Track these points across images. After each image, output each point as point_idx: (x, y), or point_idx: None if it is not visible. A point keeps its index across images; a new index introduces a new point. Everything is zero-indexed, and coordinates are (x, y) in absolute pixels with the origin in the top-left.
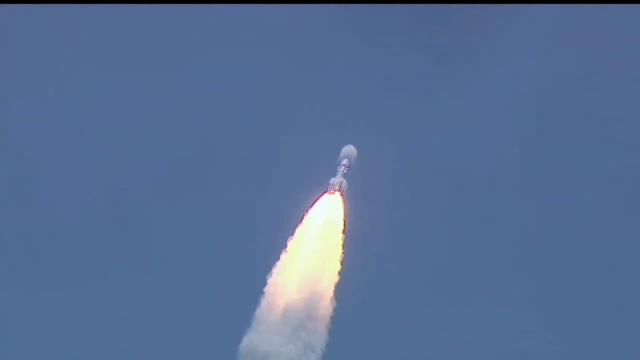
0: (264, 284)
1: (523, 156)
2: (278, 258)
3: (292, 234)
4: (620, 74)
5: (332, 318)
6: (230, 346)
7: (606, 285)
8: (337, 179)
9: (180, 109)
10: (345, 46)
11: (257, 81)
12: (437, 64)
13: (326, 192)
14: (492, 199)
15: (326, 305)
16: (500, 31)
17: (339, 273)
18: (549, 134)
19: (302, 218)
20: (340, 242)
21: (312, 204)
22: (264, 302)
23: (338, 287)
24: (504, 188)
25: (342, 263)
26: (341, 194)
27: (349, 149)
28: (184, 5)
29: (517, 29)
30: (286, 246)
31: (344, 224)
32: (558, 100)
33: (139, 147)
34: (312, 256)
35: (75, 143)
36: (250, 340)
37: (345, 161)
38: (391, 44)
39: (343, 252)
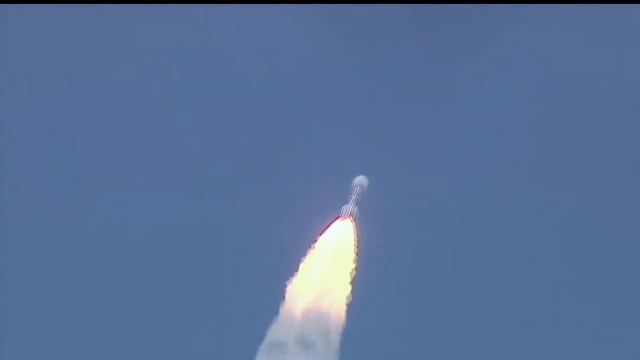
0: (278, 303)
1: (533, 163)
2: (291, 280)
3: (305, 256)
4: (622, 73)
5: (342, 339)
6: None
7: None
8: (349, 206)
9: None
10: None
11: (272, 110)
12: (441, 79)
13: (338, 217)
14: (501, 212)
15: (337, 325)
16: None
17: (350, 294)
18: (563, 134)
19: (316, 241)
20: (352, 264)
21: (325, 229)
22: (277, 319)
23: (349, 307)
24: (514, 198)
25: (353, 284)
26: (352, 220)
27: (360, 179)
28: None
29: (520, 29)
30: (299, 269)
31: (356, 247)
32: (562, 100)
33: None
34: (324, 277)
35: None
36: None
37: (357, 189)
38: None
39: (355, 272)
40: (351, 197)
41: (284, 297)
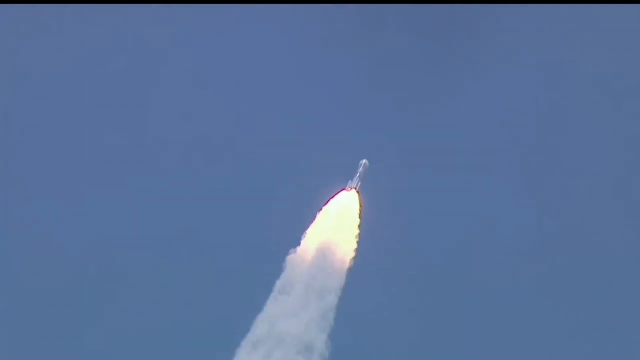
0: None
1: (533, 155)
2: (302, 236)
3: (314, 217)
4: (621, 74)
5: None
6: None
7: None
8: (354, 181)
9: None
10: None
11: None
12: (439, 71)
13: (344, 189)
14: (497, 199)
15: (339, 278)
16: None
17: (355, 252)
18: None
19: (324, 205)
20: (357, 219)
21: (333, 196)
22: (283, 276)
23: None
24: (509, 188)
25: (357, 241)
26: (357, 191)
27: (364, 162)
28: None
29: (520, 29)
30: (308, 228)
31: (360, 212)
32: (561, 101)
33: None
34: (331, 232)
35: None
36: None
37: (361, 168)
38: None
39: (359, 232)
40: (356, 173)
41: (298, 245)
